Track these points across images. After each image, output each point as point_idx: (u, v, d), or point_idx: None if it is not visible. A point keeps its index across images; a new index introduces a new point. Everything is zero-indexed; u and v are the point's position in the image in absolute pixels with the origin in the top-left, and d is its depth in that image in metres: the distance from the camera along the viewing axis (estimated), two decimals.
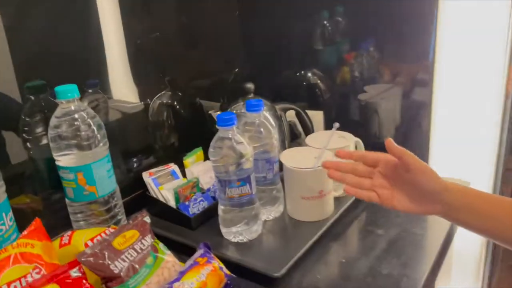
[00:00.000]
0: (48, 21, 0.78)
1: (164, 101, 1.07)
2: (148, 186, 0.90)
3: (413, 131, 1.06)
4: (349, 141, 0.89)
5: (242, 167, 0.73)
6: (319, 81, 1.25)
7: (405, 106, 1.07)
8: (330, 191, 0.82)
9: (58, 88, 0.68)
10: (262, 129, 0.79)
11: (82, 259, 0.58)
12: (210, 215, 0.86)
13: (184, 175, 0.95)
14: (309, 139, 0.92)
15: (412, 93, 1.06)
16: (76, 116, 0.69)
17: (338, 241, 0.78)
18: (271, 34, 1.25)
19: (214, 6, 1.16)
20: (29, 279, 0.57)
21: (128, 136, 1.01)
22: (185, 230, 0.83)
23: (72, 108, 0.69)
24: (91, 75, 0.89)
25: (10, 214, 0.62)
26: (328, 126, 1.14)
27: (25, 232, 0.61)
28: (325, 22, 1.28)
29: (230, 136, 0.72)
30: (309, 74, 1.25)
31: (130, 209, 0.84)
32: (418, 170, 0.57)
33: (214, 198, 0.89)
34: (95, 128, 0.71)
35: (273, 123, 0.95)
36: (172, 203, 0.87)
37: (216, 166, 0.74)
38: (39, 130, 0.74)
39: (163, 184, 0.90)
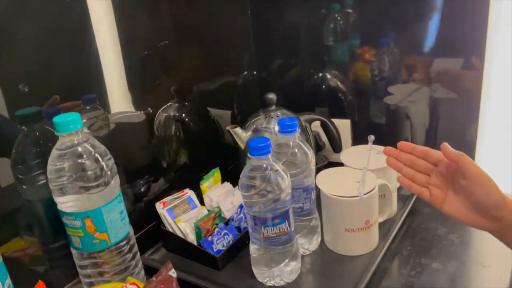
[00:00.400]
0: (37, 33, 0.65)
1: (171, 114, 0.95)
2: (162, 218, 0.78)
3: (453, 138, 0.95)
4: None
5: (280, 201, 0.62)
6: (339, 83, 1.14)
7: (443, 110, 0.96)
8: (376, 219, 0.72)
9: (57, 119, 0.56)
10: (297, 153, 0.68)
11: None
12: (236, 250, 0.75)
13: (201, 201, 0.84)
14: (344, 157, 0.81)
15: (451, 96, 0.95)
16: (80, 150, 0.57)
17: (390, 279, 0.67)
18: (285, 34, 1.14)
19: (224, 6, 1.03)
20: None
21: (133, 157, 0.88)
22: (209, 271, 0.72)
23: (76, 141, 0.57)
24: (86, 90, 0.76)
25: (8, 281, 0.50)
26: (355, 135, 1.03)
27: None
28: (336, 15, 1.17)
29: (265, 165, 0.61)
30: (328, 76, 1.14)
31: (143, 246, 0.73)
32: (475, 179, 0.53)
33: (238, 229, 0.78)
34: (104, 164, 0.58)
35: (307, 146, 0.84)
36: (191, 237, 0.76)
37: (248, 201, 0.62)
38: (34, 167, 0.61)
39: (179, 215, 0.78)
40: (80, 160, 0.57)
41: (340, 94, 1.09)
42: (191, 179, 0.90)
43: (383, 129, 1.06)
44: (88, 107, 0.77)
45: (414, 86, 1.04)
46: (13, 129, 0.60)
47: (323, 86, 1.13)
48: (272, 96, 0.88)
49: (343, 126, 0.97)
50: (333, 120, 0.97)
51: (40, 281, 0.52)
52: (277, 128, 0.87)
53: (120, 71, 0.82)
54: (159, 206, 0.78)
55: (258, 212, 0.62)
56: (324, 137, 1.00)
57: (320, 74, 1.15)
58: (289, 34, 1.14)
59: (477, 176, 0.53)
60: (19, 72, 0.62)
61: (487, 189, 0.52)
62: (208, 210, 0.81)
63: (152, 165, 0.92)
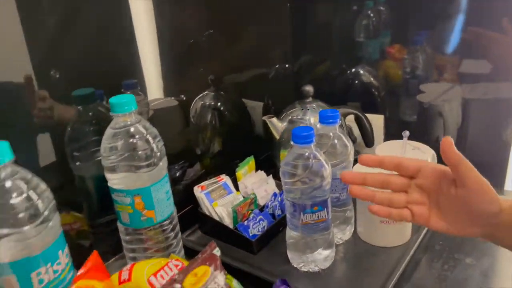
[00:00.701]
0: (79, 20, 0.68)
1: (207, 102, 0.98)
2: (200, 201, 0.81)
3: (487, 139, 0.96)
4: (425, 154, 0.79)
5: (320, 190, 0.64)
6: (372, 79, 1.14)
7: (477, 110, 0.97)
8: None
9: (113, 100, 0.58)
10: (337, 144, 0.70)
11: None
12: (270, 236, 0.77)
13: (236, 188, 0.86)
14: (379, 151, 0.82)
15: (488, 96, 0.95)
16: (132, 130, 0.60)
17: (422, 272, 0.69)
18: (319, 29, 1.15)
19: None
20: None
21: (169, 142, 0.91)
22: (245, 254, 0.74)
23: (129, 122, 0.60)
24: (126, 75, 0.79)
25: (66, 250, 0.53)
26: (387, 130, 1.04)
27: (82, 270, 0.53)
28: (369, 12, 1.18)
29: (307, 154, 0.63)
30: (361, 71, 1.15)
31: (181, 228, 0.75)
32: (475, 187, 0.46)
33: (273, 215, 0.80)
34: (154, 146, 0.61)
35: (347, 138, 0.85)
36: (226, 221, 0.78)
37: (289, 188, 0.64)
38: (89, 145, 0.64)
39: (216, 199, 0.81)
40: (132, 140, 0.60)
41: (373, 90, 1.10)
42: (225, 166, 0.93)
43: (415, 126, 1.07)
44: (129, 92, 0.80)
45: (447, 85, 1.05)
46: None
47: (356, 82, 1.14)
48: (309, 88, 0.89)
49: (376, 121, 0.98)
50: (367, 115, 0.98)
51: (94, 250, 0.55)
52: (312, 120, 0.89)
53: (157, 60, 0.85)
54: (197, 190, 0.81)
55: (298, 199, 0.64)
56: (356, 132, 1.01)
57: (353, 70, 1.16)
58: (323, 29, 1.15)
59: (477, 185, 0.46)
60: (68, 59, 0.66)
61: (488, 198, 0.47)
62: (243, 197, 0.84)
63: (188, 151, 0.95)
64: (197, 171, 0.92)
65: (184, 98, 0.93)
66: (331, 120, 0.69)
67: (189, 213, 0.82)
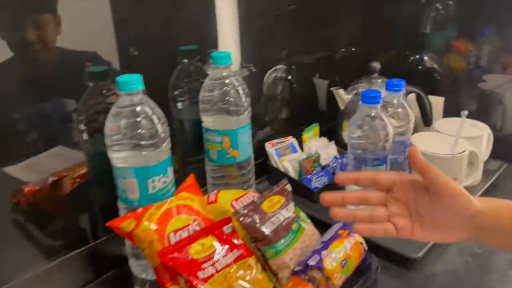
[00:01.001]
0: None
1: (279, 75, 1.08)
2: (269, 156, 0.92)
3: None
4: (482, 131, 0.85)
5: (382, 147, 0.73)
6: (435, 65, 1.20)
7: None
8: (462, 180, 0.80)
9: (215, 54, 0.71)
10: (400, 110, 0.78)
11: (239, 218, 0.62)
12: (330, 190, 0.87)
13: (301, 148, 0.97)
14: (437, 125, 0.89)
15: None
16: (227, 81, 0.72)
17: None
18: (391, 18, 1.22)
19: None
20: (190, 229, 0.61)
21: None
22: (306, 203, 0.85)
23: (225, 74, 0.72)
24: (207, 44, 0.90)
25: (171, 168, 0.66)
26: (446, 114, 1.10)
27: (183, 186, 0.66)
28: (438, 5, 1.23)
29: (373, 114, 0.72)
30: (425, 58, 1.21)
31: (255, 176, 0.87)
32: (445, 191, 0.47)
33: (333, 174, 0.90)
34: (243, 96, 0.73)
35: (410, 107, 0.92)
36: (291, 174, 0.89)
37: (356, 142, 0.74)
38: (187, 93, 0.77)
39: (284, 155, 0.92)
40: (226, 88, 0.72)
41: (435, 75, 1.16)
42: (292, 131, 1.03)
43: (474, 112, 1.12)
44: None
45: (511, 76, 1.09)
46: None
47: (419, 67, 1.20)
48: (376, 64, 0.98)
49: (437, 102, 1.04)
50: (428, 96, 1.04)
51: (191, 174, 0.68)
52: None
53: (236, 30, 0.95)
54: (268, 145, 0.93)
55: (361, 153, 0.74)
56: (416, 111, 1.08)
57: (417, 56, 1.22)
58: (391, 19, 1.22)
59: (447, 188, 0.47)
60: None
61: (462, 202, 0.47)
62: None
63: (258, 116, 1.06)
64: (267, 133, 1.04)
65: (257, 70, 1.04)
66: (397, 88, 0.77)
67: (260, 165, 0.93)
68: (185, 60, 0.76)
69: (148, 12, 0.76)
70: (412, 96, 1.04)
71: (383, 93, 0.79)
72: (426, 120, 1.04)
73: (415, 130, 1.10)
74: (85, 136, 0.66)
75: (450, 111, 1.12)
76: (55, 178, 0.68)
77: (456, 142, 0.78)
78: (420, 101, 1.02)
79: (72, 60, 0.68)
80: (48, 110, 0.66)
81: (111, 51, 0.72)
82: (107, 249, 0.72)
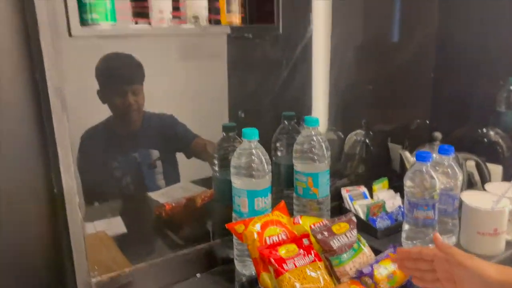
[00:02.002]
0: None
1: (358, 138, 1.35)
2: (344, 199, 1.17)
3: None
4: None
5: (431, 196, 0.94)
6: (500, 140, 1.36)
7: None
8: (504, 231, 0.96)
9: (307, 118, 1.01)
10: (449, 170, 0.99)
11: (315, 235, 0.87)
12: (392, 232, 1.08)
13: (371, 197, 1.20)
14: (488, 186, 1.07)
15: None
16: (314, 138, 1.01)
17: None
18: (463, 97, 1.41)
19: (410, 62, 1.39)
20: (280, 237, 0.88)
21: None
22: (371, 238, 1.06)
23: (313, 133, 1.01)
24: (303, 112, 1.19)
25: (270, 194, 0.95)
26: (505, 180, 1.25)
27: (277, 207, 0.94)
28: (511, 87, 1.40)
29: (424, 170, 0.94)
30: (491, 133, 1.38)
31: (330, 213, 1.12)
32: (467, 266, 0.60)
33: (396, 220, 1.11)
34: (324, 149, 1.01)
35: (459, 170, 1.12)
36: (361, 215, 1.12)
37: (410, 191, 0.96)
38: (285, 145, 1.08)
39: (356, 200, 1.16)
40: (314, 143, 1.00)
41: (497, 148, 1.32)
42: (365, 183, 1.27)
43: None
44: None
45: None
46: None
47: (485, 140, 1.37)
48: (437, 134, 1.20)
49: (495, 170, 1.21)
50: (487, 164, 1.21)
51: (282, 201, 0.96)
52: (435, 156, 1.18)
53: (326, 102, 1.25)
54: (343, 190, 1.18)
55: (415, 199, 0.95)
56: (477, 178, 1.25)
57: (484, 130, 1.39)
58: (463, 97, 1.42)
59: (464, 262, 0.61)
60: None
61: (477, 272, 0.59)
62: None
63: (339, 169, 1.32)
64: (344, 182, 1.29)
65: (340, 133, 1.32)
66: (447, 152, 0.99)
67: (336, 207, 1.18)
68: (286, 122, 1.07)
69: (262, 87, 1.10)
70: (473, 163, 1.22)
71: (436, 155, 1.01)
72: (483, 183, 1.20)
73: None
74: (216, 168, 0.99)
75: (509, 177, 1.26)
76: (188, 197, 1.00)
77: (498, 199, 0.96)
78: (478, 167, 1.20)
79: (153, 121, 0.92)
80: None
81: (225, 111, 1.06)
82: (219, 250, 1.02)
